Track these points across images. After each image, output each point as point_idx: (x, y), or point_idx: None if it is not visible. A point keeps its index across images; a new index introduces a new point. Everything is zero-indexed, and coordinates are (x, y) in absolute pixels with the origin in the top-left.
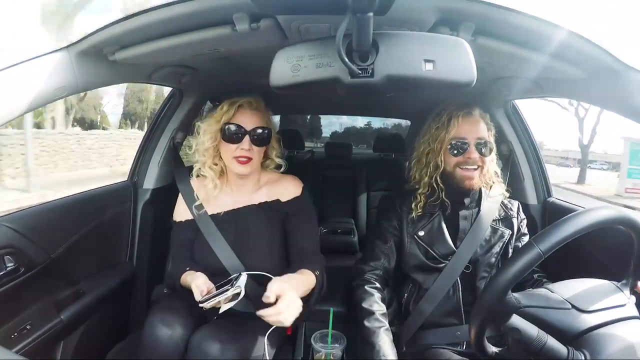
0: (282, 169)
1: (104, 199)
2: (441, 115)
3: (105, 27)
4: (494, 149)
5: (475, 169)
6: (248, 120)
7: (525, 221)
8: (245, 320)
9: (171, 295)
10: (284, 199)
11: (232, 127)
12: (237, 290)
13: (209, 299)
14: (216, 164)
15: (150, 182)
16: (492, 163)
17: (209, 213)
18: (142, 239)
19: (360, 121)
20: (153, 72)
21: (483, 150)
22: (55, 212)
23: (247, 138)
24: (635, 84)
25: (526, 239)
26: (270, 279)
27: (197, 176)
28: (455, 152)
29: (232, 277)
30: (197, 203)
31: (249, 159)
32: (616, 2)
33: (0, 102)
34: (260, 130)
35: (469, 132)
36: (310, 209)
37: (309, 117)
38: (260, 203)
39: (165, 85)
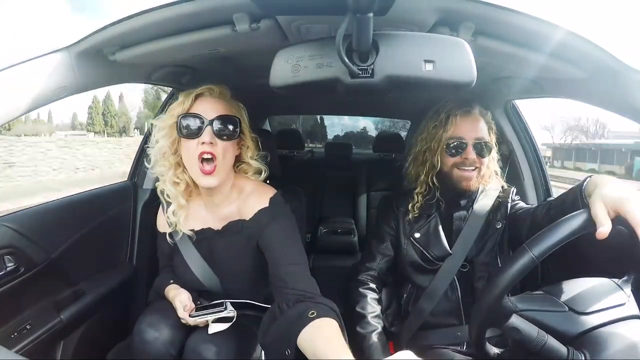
0: (263, 175)
1: (104, 199)
2: (439, 113)
3: (105, 27)
4: (494, 149)
5: (473, 170)
6: (208, 109)
7: (520, 204)
8: (241, 322)
9: (162, 298)
10: (249, 216)
11: (189, 118)
12: (232, 314)
13: (200, 315)
14: (179, 179)
15: (150, 182)
16: (492, 162)
17: (186, 228)
18: (142, 239)
19: (359, 124)
20: (153, 72)
21: (481, 151)
22: (55, 212)
23: (208, 129)
24: (635, 84)
25: (524, 207)
26: (255, 306)
27: (162, 193)
28: (453, 152)
29: (215, 302)
30: (170, 219)
31: (213, 156)
32: (616, 2)
33: (1, 102)
34: (223, 119)
35: (467, 132)
36: (282, 217)
37: (318, 119)
38: (223, 227)
39: (165, 85)
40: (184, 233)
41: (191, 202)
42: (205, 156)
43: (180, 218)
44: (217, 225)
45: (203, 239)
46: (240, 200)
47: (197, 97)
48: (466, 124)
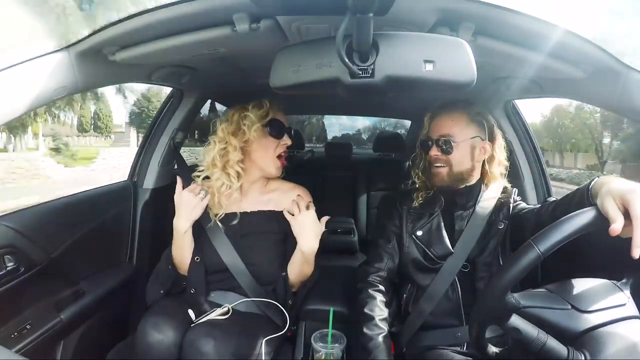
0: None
1: (104, 199)
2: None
3: (105, 28)
4: (499, 149)
5: (443, 167)
6: (283, 118)
7: (522, 204)
8: (242, 320)
9: (165, 297)
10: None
11: (277, 123)
12: (225, 309)
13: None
14: (241, 169)
15: (150, 182)
16: (496, 164)
17: (215, 212)
18: (142, 239)
19: (356, 124)
20: (153, 72)
21: (443, 147)
22: (55, 212)
23: (286, 135)
24: (635, 84)
25: (527, 207)
26: (260, 303)
27: (203, 178)
28: (423, 150)
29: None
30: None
31: (286, 154)
32: (616, 2)
33: (0, 102)
34: (291, 131)
35: (433, 131)
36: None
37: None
38: (271, 211)
39: (165, 85)
40: (213, 216)
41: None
42: (284, 154)
43: (234, 195)
44: (255, 207)
45: (239, 220)
46: (277, 194)
47: (272, 105)
48: (434, 123)
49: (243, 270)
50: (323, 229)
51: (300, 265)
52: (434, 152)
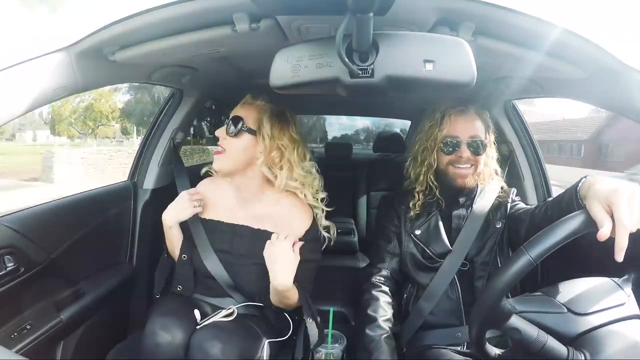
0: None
1: (104, 199)
2: (435, 112)
3: (105, 27)
4: (492, 147)
5: (469, 167)
6: (243, 113)
7: (519, 204)
8: (246, 322)
9: (170, 297)
10: (286, 225)
11: (233, 119)
12: (230, 311)
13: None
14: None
15: (150, 182)
16: (492, 161)
17: (208, 217)
18: (142, 239)
19: (355, 124)
20: (153, 72)
21: (476, 148)
22: (55, 212)
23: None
24: (635, 84)
25: (523, 207)
26: (261, 307)
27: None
28: (448, 150)
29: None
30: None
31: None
32: (616, 2)
33: (0, 102)
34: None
35: (461, 130)
36: (317, 238)
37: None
38: (263, 230)
39: (165, 85)
40: (200, 221)
41: (224, 192)
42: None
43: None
44: (250, 223)
45: (229, 230)
46: (279, 207)
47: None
48: (460, 123)
49: (228, 282)
50: (298, 258)
51: (278, 297)
52: (466, 153)
